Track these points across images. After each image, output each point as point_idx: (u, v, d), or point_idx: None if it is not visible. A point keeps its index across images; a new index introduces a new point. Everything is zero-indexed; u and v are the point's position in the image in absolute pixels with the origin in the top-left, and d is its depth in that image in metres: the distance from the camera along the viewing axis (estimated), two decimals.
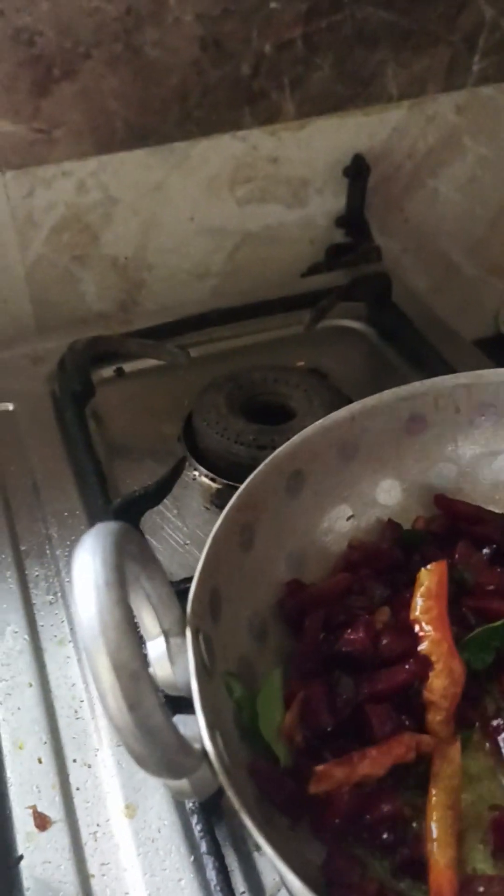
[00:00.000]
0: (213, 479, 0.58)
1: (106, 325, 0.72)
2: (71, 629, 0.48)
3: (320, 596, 0.42)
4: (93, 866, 0.39)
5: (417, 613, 0.39)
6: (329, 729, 0.37)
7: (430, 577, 0.40)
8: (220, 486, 0.57)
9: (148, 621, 0.34)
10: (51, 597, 0.50)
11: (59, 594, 0.50)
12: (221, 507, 0.55)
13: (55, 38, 0.61)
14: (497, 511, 0.47)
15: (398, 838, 0.35)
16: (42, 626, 0.49)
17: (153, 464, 0.59)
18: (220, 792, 0.31)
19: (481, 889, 0.33)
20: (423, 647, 0.38)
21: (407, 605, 0.40)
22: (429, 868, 0.33)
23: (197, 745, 0.30)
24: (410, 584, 0.42)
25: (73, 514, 0.55)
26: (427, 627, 0.38)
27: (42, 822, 0.40)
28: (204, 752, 0.30)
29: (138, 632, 0.30)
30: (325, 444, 0.44)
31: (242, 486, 0.40)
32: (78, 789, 0.41)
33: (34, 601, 0.50)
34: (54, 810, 0.41)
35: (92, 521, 0.54)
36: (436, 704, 0.37)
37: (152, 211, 0.72)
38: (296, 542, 0.44)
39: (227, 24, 0.65)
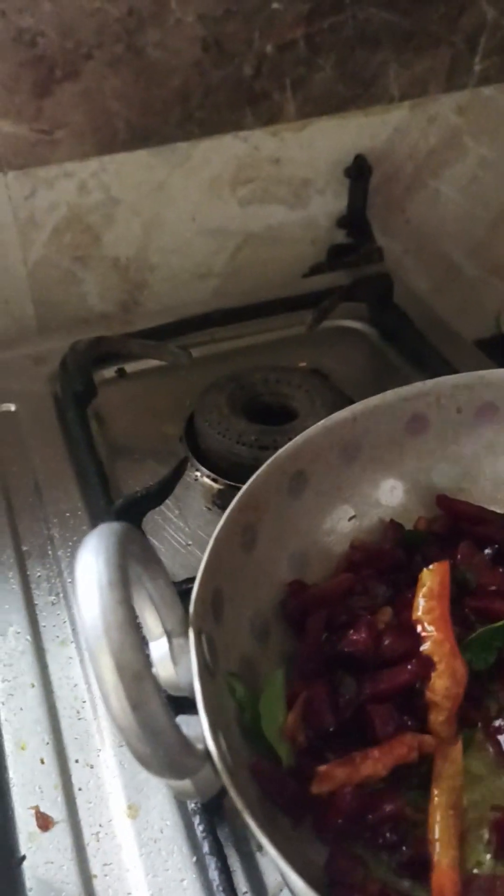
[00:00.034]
0: (214, 480, 0.58)
1: (107, 325, 0.72)
2: (73, 630, 0.48)
3: (322, 596, 0.42)
4: (95, 867, 0.39)
5: (419, 614, 0.39)
6: (331, 729, 0.37)
7: (432, 578, 0.40)
8: (221, 487, 0.57)
9: (151, 622, 0.34)
10: (53, 597, 0.50)
11: (61, 595, 0.50)
12: (223, 508, 0.55)
13: (57, 38, 0.61)
14: (499, 511, 0.47)
15: (400, 838, 0.35)
16: (44, 626, 0.49)
17: (155, 464, 0.59)
18: (222, 792, 0.31)
19: (483, 889, 0.33)
20: (425, 647, 0.38)
21: (409, 605, 0.40)
22: (431, 868, 0.33)
23: (200, 746, 0.30)
24: (412, 584, 0.42)
25: (75, 515, 0.55)
26: (429, 628, 0.38)
27: (44, 822, 0.40)
28: (207, 753, 0.30)
29: (141, 632, 0.30)
30: (328, 445, 0.44)
31: (245, 487, 0.40)
32: (80, 790, 0.41)
33: (36, 601, 0.50)
34: (56, 811, 0.41)
35: (94, 522, 0.54)
36: (438, 705, 0.37)
37: (154, 211, 0.72)
38: (298, 543, 0.44)
39: (228, 24, 0.65)
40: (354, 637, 0.39)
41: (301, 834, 0.35)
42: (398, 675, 0.37)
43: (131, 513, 0.50)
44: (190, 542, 0.54)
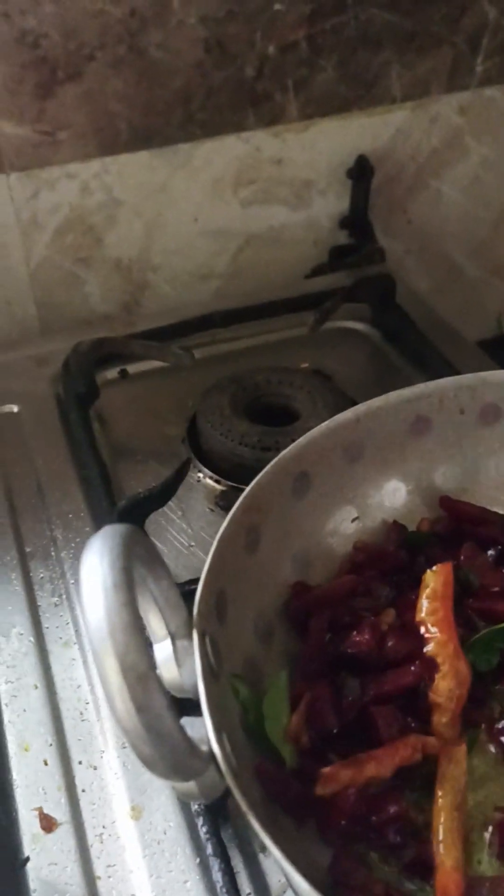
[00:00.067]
0: (217, 481, 0.58)
1: (110, 326, 0.72)
2: (76, 631, 0.48)
3: (325, 598, 0.42)
4: (99, 868, 0.39)
5: (423, 615, 0.39)
6: (335, 730, 0.37)
7: (435, 579, 0.40)
8: (224, 488, 0.57)
9: (154, 623, 0.34)
10: (56, 599, 0.50)
11: (64, 596, 0.51)
12: (226, 509, 0.55)
13: (60, 40, 0.61)
14: (501, 512, 0.47)
15: (404, 840, 0.35)
16: (47, 627, 0.49)
17: (157, 465, 0.59)
18: (226, 793, 0.31)
19: (487, 890, 0.33)
20: (428, 648, 0.38)
21: (412, 606, 0.40)
22: (435, 869, 0.33)
23: (204, 748, 0.30)
24: (415, 585, 0.42)
25: (78, 516, 0.55)
26: (433, 629, 0.38)
27: (48, 823, 0.40)
28: (211, 755, 0.30)
29: (145, 634, 0.30)
30: (331, 446, 0.44)
31: (248, 488, 0.40)
32: (84, 791, 0.41)
33: (39, 603, 0.50)
34: (60, 812, 0.41)
35: (97, 523, 0.54)
36: (441, 706, 0.37)
37: (156, 212, 0.72)
38: (301, 544, 0.44)
39: (230, 26, 0.65)
40: (358, 638, 0.39)
41: (304, 835, 0.35)
42: (402, 676, 0.37)
43: (134, 514, 0.50)
44: (192, 544, 0.54)
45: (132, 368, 0.68)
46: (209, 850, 0.38)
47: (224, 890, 0.36)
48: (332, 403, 0.60)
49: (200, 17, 0.64)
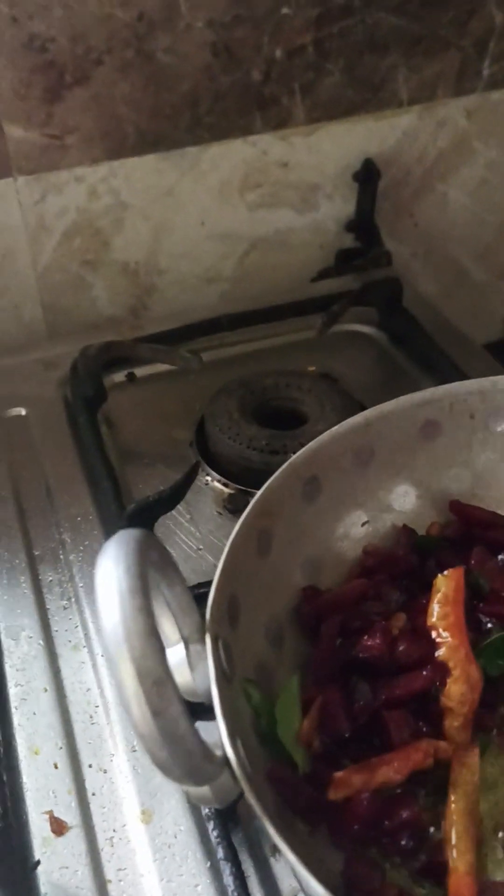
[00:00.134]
0: (225, 484, 0.58)
1: (117, 330, 0.72)
2: (85, 634, 0.49)
3: (336, 602, 0.42)
4: (109, 872, 0.39)
5: (434, 620, 0.39)
6: (347, 735, 0.37)
7: (446, 584, 0.40)
8: (232, 492, 0.57)
9: (167, 628, 0.34)
10: (65, 602, 0.51)
11: (72, 599, 0.51)
12: (234, 513, 0.56)
13: (68, 44, 0.61)
14: None
15: (417, 844, 0.35)
16: (56, 631, 0.49)
17: (165, 469, 0.59)
18: (237, 797, 0.31)
19: (501, 895, 0.33)
20: (440, 653, 0.38)
21: (423, 610, 0.40)
22: (447, 874, 0.33)
23: (218, 752, 0.30)
24: (425, 589, 0.42)
25: (87, 519, 0.55)
26: (444, 634, 0.38)
27: (58, 827, 0.40)
28: (225, 759, 0.30)
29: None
30: (341, 450, 0.44)
31: (260, 492, 0.40)
32: (94, 794, 0.41)
33: (48, 606, 0.50)
34: (70, 815, 0.41)
35: (105, 527, 0.54)
36: (453, 710, 0.37)
37: (163, 216, 0.72)
38: (312, 548, 0.44)
39: (238, 30, 0.65)
40: (369, 643, 0.39)
41: (317, 840, 0.35)
42: (413, 680, 0.37)
43: (143, 518, 0.51)
44: (201, 547, 0.54)
45: (140, 372, 0.68)
46: (220, 854, 0.38)
47: (235, 894, 0.36)
48: (340, 407, 0.60)
49: (208, 22, 0.64)
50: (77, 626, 0.49)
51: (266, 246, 0.77)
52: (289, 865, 0.37)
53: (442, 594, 0.40)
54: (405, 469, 0.47)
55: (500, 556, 0.44)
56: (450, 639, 0.38)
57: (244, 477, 0.57)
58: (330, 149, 0.74)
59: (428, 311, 0.73)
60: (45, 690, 0.46)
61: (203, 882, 0.38)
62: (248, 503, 0.39)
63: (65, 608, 0.50)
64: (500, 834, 0.36)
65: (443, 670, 0.38)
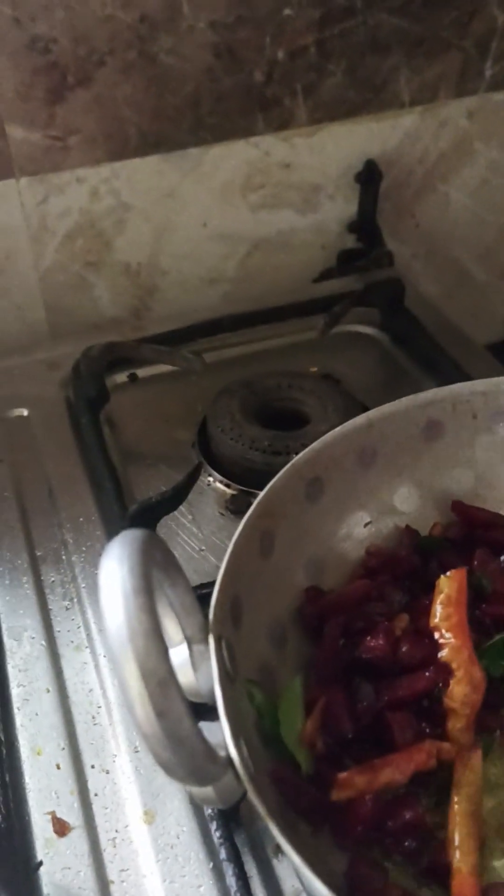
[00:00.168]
0: (227, 485, 0.58)
1: (119, 330, 0.72)
2: (87, 635, 0.49)
3: (339, 603, 0.42)
4: (112, 872, 0.39)
5: (437, 620, 0.39)
6: (350, 736, 0.37)
7: (449, 585, 0.40)
8: (234, 492, 0.57)
9: (170, 628, 0.34)
10: (67, 602, 0.51)
11: (75, 599, 0.51)
12: (236, 513, 0.56)
13: (70, 45, 0.62)
14: None
15: (420, 845, 0.35)
16: (58, 631, 0.49)
17: (167, 469, 0.60)
18: (240, 798, 0.31)
19: None
20: (443, 654, 0.38)
21: (425, 611, 0.40)
22: (451, 875, 0.33)
23: (221, 753, 0.30)
24: (428, 590, 0.42)
25: (89, 520, 0.55)
26: (447, 634, 0.38)
27: (61, 827, 0.40)
28: (229, 760, 0.30)
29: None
30: (344, 451, 0.44)
31: (263, 493, 0.40)
32: (96, 795, 0.41)
33: (50, 606, 0.50)
34: (73, 816, 0.41)
35: (108, 527, 0.54)
36: (456, 711, 0.37)
37: (165, 217, 0.72)
38: (315, 549, 0.44)
39: (240, 31, 0.65)
40: (372, 643, 0.39)
41: (320, 840, 0.35)
42: (416, 681, 0.37)
43: (145, 518, 0.51)
44: (203, 548, 0.54)
45: (142, 373, 0.69)
46: (222, 854, 0.38)
47: (238, 895, 0.36)
48: (342, 407, 0.60)
49: (210, 23, 0.64)
50: (79, 627, 0.49)
51: (268, 247, 0.78)
52: (292, 866, 0.37)
53: (445, 595, 0.40)
54: (408, 470, 0.47)
55: (502, 557, 0.44)
56: (453, 640, 0.38)
57: (246, 478, 0.57)
58: (332, 150, 0.74)
59: (430, 311, 0.73)
60: (48, 691, 0.46)
61: (206, 883, 0.38)
62: (250, 504, 0.39)
63: (67, 609, 0.50)
64: (502, 835, 0.35)
65: (446, 671, 0.37)
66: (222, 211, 0.74)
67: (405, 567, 0.44)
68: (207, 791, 0.31)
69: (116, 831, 0.40)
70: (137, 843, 0.40)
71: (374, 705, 0.37)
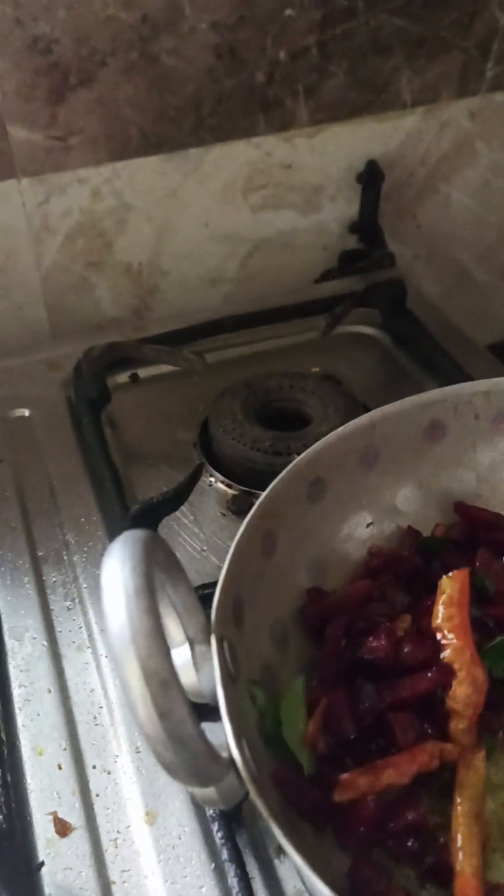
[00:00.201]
0: (228, 486, 0.58)
1: (120, 330, 0.72)
2: (89, 635, 0.49)
3: (341, 603, 0.42)
4: (114, 873, 0.39)
5: (439, 621, 0.39)
6: (352, 737, 0.37)
7: (451, 585, 0.40)
8: (236, 493, 0.57)
9: (172, 629, 0.34)
10: (69, 602, 0.51)
11: (76, 600, 0.51)
12: (237, 514, 0.56)
13: (72, 46, 0.62)
14: None
15: (422, 847, 0.35)
16: (60, 631, 0.49)
17: (168, 470, 0.59)
18: (242, 799, 0.31)
19: None
20: (445, 654, 0.38)
21: (427, 612, 0.40)
22: (454, 876, 0.33)
23: (224, 754, 0.30)
24: (430, 591, 0.42)
25: (90, 520, 0.55)
26: (449, 635, 0.38)
27: (62, 828, 0.40)
28: (231, 761, 0.30)
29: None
30: (346, 451, 0.44)
31: (265, 494, 0.40)
32: (98, 795, 0.41)
33: (52, 607, 0.50)
34: (74, 816, 0.41)
35: (109, 527, 0.54)
36: (458, 712, 0.37)
37: (166, 217, 0.72)
38: (316, 550, 0.44)
39: (242, 32, 0.65)
40: (374, 644, 0.39)
41: (322, 841, 0.35)
42: (418, 682, 0.37)
43: (147, 519, 0.51)
44: (205, 548, 0.54)
45: (143, 373, 0.69)
46: (224, 855, 0.38)
47: (239, 895, 0.36)
48: (344, 408, 0.60)
49: (212, 24, 0.64)
50: (81, 627, 0.49)
51: (269, 247, 0.78)
52: (294, 867, 0.37)
53: (447, 596, 0.39)
54: (410, 470, 0.47)
55: None
56: (455, 640, 0.38)
57: (248, 478, 0.57)
58: (333, 150, 0.74)
59: (431, 312, 0.73)
60: (49, 691, 0.46)
61: (207, 883, 0.38)
62: (251, 504, 0.39)
63: (69, 609, 0.50)
64: None
65: (448, 672, 0.37)
66: (224, 211, 0.74)
67: (407, 568, 0.44)
68: (209, 792, 0.30)
69: (118, 832, 0.40)
70: (139, 843, 0.40)
71: (377, 706, 0.37)
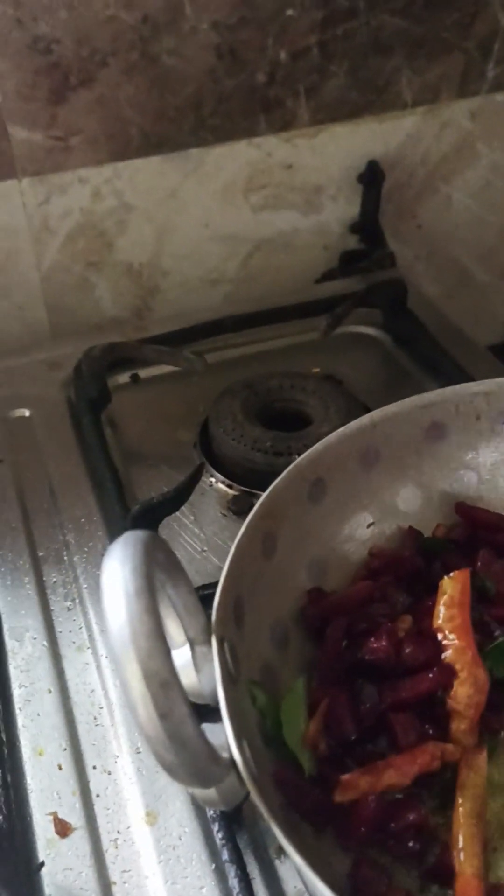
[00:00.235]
0: (229, 486, 0.58)
1: (120, 331, 0.72)
2: (89, 635, 0.48)
3: (342, 604, 0.42)
4: (114, 873, 0.39)
5: (440, 622, 0.39)
6: (353, 737, 0.37)
7: (452, 586, 0.40)
8: (236, 493, 0.57)
9: (173, 630, 0.34)
10: (69, 603, 0.50)
11: (76, 600, 0.51)
12: (238, 514, 0.56)
13: (72, 46, 0.62)
14: None
15: (423, 847, 0.35)
16: (60, 632, 0.49)
17: (169, 470, 0.59)
18: (243, 799, 0.31)
19: None
20: (446, 655, 0.38)
21: (428, 613, 0.40)
22: (455, 877, 0.33)
23: (224, 754, 0.30)
24: (431, 591, 0.41)
25: (91, 521, 0.55)
26: (450, 636, 0.38)
27: (63, 828, 0.40)
28: (232, 762, 0.30)
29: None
30: (347, 452, 0.44)
31: (265, 494, 0.40)
32: (98, 796, 0.41)
33: (52, 607, 0.50)
34: (75, 817, 0.41)
35: (109, 528, 0.54)
36: (460, 713, 0.37)
37: (167, 217, 0.72)
38: (317, 550, 0.44)
39: (243, 32, 0.65)
40: (375, 645, 0.39)
41: (323, 842, 0.35)
42: (419, 683, 0.37)
43: (147, 519, 0.50)
44: (205, 549, 0.54)
45: (144, 373, 0.69)
46: (225, 855, 0.38)
47: None
48: (344, 408, 0.60)
49: (213, 24, 0.64)
50: (81, 628, 0.49)
51: (270, 247, 0.78)
52: (294, 867, 0.36)
53: (448, 596, 0.39)
54: (411, 471, 0.47)
55: None
56: (456, 641, 0.38)
57: (248, 478, 0.57)
58: (334, 151, 0.74)
59: (432, 312, 0.73)
60: (50, 692, 0.46)
61: (208, 884, 0.38)
62: (252, 505, 0.39)
63: (69, 609, 0.50)
64: None
65: (449, 673, 0.37)
66: (224, 211, 0.74)
67: (408, 568, 0.44)
68: (210, 792, 0.30)
69: (118, 832, 0.40)
70: (139, 844, 0.39)
71: (378, 707, 0.37)
